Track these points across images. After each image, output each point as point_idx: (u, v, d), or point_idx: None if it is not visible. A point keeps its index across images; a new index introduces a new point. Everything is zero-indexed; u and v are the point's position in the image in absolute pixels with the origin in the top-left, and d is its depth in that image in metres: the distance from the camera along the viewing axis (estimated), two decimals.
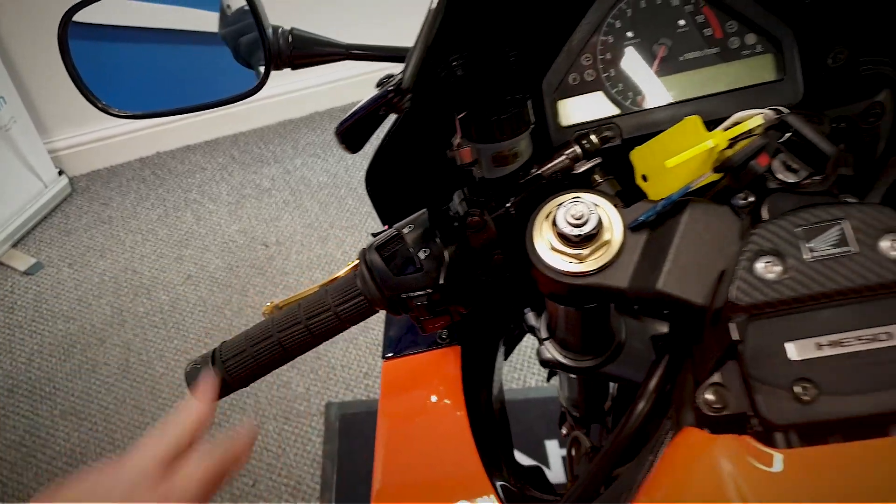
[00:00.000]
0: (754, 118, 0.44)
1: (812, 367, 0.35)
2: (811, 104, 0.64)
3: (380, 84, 0.46)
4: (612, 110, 0.63)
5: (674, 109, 0.62)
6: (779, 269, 0.36)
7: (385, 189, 0.67)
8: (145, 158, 2.86)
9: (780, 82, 0.61)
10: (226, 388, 0.57)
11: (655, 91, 0.63)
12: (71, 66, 0.61)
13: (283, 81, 2.85)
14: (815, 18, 0.62)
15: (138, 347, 2.10)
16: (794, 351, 0.34)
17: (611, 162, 0.59)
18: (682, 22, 0.62)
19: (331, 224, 2.46)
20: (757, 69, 0.62)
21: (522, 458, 1.66)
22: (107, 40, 0.63)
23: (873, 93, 0.66)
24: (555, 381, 0.96)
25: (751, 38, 0.62)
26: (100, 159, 2.83)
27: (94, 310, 2.24)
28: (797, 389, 0.35)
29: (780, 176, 0.45)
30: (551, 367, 0.68)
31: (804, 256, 0.36)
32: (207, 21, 0.62)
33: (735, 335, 0.36)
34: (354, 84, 2.85)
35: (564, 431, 1.13)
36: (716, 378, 0.38)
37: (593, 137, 0.55)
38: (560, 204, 0.46)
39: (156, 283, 2.30)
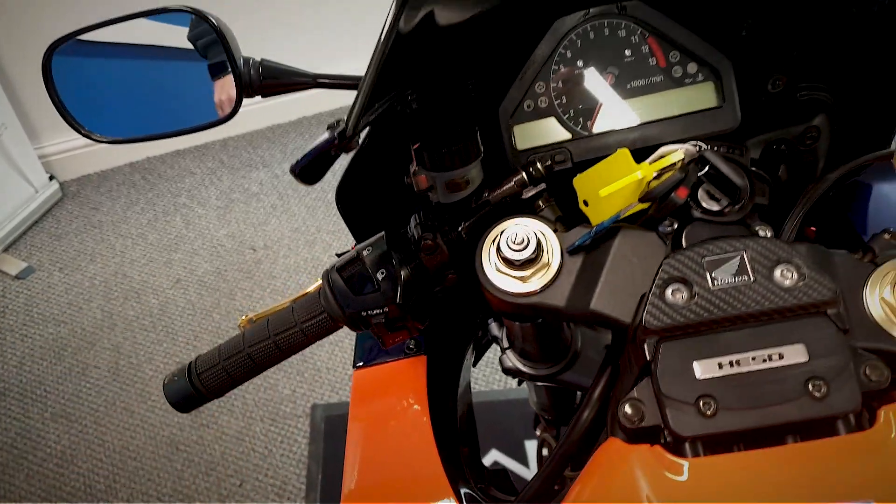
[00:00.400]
0: (676, 153, 0.48)
1: (713, 385, 0.39)
2: (751, 128, 0.68)
3: (330, 128, 0.50)
4: (564, 135, 0.67)
5: (621, 134, 0.66)
6: (686, 295, 0.40)
7: (354, 208, 0.71)
8: (135, 163, 2.89)
9: (719, 109, 0.66)
10: (201, 399, 0.61)
11: (604, 117, 0.67)
12: (55, 95, 0.65)
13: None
14: (753, 49, 0.66)
15: (128, 351, 2.14)
16: (699, 370, 0.39)
17: (560, 186, 0.63)
18: (628, 52, 0.66)
19: (318, 228, 2.50)
20: (699, 96, 0.67)
21: (503, 458, 1.71)
22: (89, 69, 0.66)
23: (810, 117, 0.71)
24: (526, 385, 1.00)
25: (692, 67, 0.66)
26: (90, 164, 2.86)
27: (85, 313, 2.27)
28: (701, 405, 0.39)
29: (704, 204, 0.49)
30: (513, 375, 0.72)
31: (708, 284, 0.41)
32: (185, 51, 0.66)
33: (648, 355, 0.40)
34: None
35: (538, 433, 1.17)
36: (634, 393, 0.42)
37: (539, 165, 0.59)
38: (503, 231, 0.50)
39: (145, 287, 2.34)
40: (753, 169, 0.67)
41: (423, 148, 0.54)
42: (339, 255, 0.60)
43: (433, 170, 0.55)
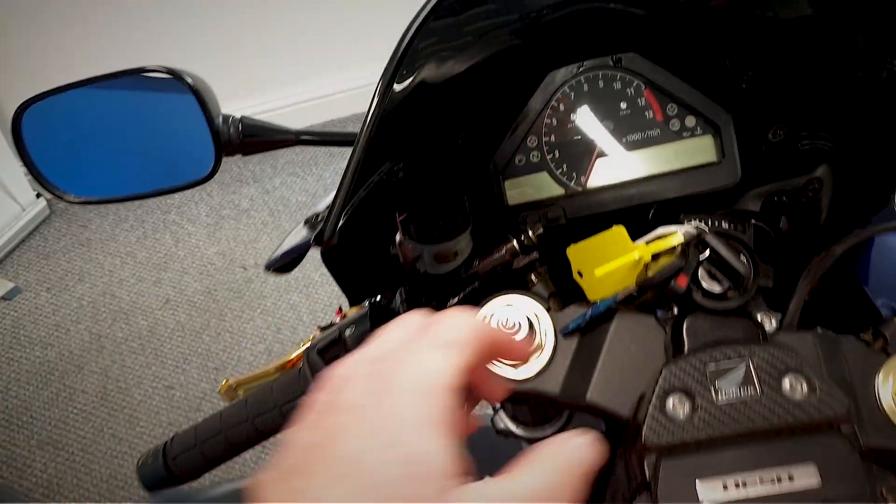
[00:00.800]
0: (675, 235, 0.46)
1: None
2: (751, 179, 0.66)
3: (307, 223, 0.47)
4: (557, 190, 0.65)
5: (617, 190, 0.64)
6: (688, 407, 0.38)
7: (341, 269, 0.68)
8: None
9: (718, 164, 0.63)
10: (174, 481, 0.58)
11: (599, 171, 0.65)
12: (25, 155, 0.62)
13: (262, 99, 2.86)
14: (753, 101, 0.64)
15: (116, 374, 2.10)
16: (702, 491, 0.36)
17: (552, 245, 0.61)
18: (624, 105, 0.64)
19: None
20: (697, 150, 0.64)
21: None
22: (62, 128, 0.64)
23: (812, 167, 0.68)
24: None
25: (690, 121, 0.64)
26: None
27: (73, 336, 2.23)
28: None
29: (704, 284, 0.47)
30: (504, 436, 0.70)
31: (712, 397, 0.38)
32: (163, 108, 0.63)
33: (647, 474, 0.38)
34: (333, 102, 2.86)
35: None
36: None
37: (531, 232, 0.57)
38: (493, 314, 0.48)
39: (134, 308, 2.30)
40: (760, 221, 0.65)
41: (410, 220, 0.51)
42: (321, 329, 0.57)
43: (420, 242, 0.52)
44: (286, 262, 0.48)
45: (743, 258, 0.45)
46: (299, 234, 0.47)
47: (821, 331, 0.43)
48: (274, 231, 2.54)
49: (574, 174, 0.65)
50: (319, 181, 2.75)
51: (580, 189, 0.65)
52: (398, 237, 0.54)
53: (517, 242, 0.56)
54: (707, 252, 0.46)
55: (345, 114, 2.87)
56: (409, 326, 0.34)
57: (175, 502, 0.82)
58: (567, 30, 0.60)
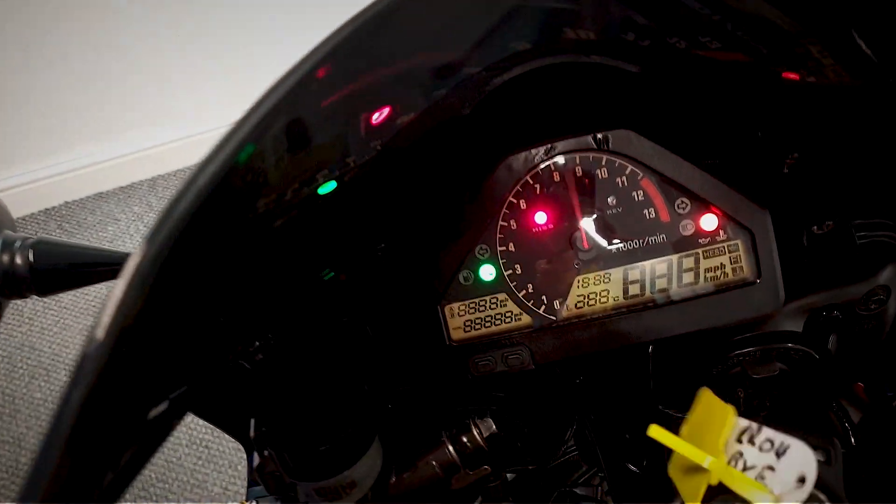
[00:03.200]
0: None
1: None
2: (790, 291, 0.47)
3: None
4: (522, 321, 0.45)
5: (606, 324, 0.44)
6: None
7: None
8: (51, 209, 2.58)
9: (753, 286, 0.44)
10: None
11: (581, 294, 0.45)
12: None
13: (203, 118, 2.61)
14: (798, 190, 0.45)
15: (31, 443, 1.85)
16: None
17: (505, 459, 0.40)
18: (612, 200, 0.44)
19: None
20: (721, 264, 0.45)
21: None
22: None
23: (873, 270, 0.49)
24: None
25: (710, 222, 0.44)
26: None
27: None
28: None
29: None
30: None
31: None
32: None
33: None
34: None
35: None
36: None
37: (476, 432, 0.36)
38: None
39: (56, 363, 2.04)
40: (802, 345, 0.47)
41: (274, 446, 0.31)
42: None
43: (293, 477, 0.32)
44: None
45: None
46: None
47: None
48: None
49: (544, 297, 0.45)
50: None
51: (553, 319, 0.45)
52: (252, 432, 0.33)
53: (453, 448, 0.35)
54: None
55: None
56: None
57: None
58: (527, 98, 0.40)
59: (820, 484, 0.29)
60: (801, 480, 0.29)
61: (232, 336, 0.32)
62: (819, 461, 0.29)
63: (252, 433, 0.32)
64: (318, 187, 0.33)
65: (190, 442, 1.74)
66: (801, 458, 0.30)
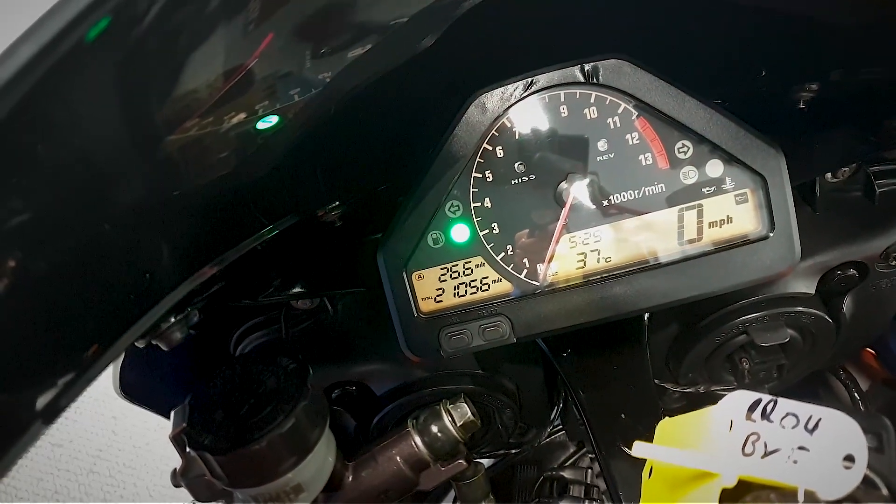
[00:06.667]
0: None
1: None
2: (808, 249, 0.41)
3: None
4: (501, 288, 0.39)
5: (596, 290, 0.38)
6: None
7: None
8: None
9: (765, 241, 0.38)
10: None
11: (564, 257, 0.39)
12: None
13: None
14: (815, 130, 0.39)
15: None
16: None
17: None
18: (603, 145, 0.37)
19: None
20: (728, 217, 0.39)
21: None
22: None
23: (893, 222, 0.44)
24: None
25: (716, 168, 0.38)
26: None
27: None
28: None
29: None
30: None
31: None
32: None
33: None
34: None
35: None
36: None
37: (451, 417, 0.30)
38: None
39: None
40: (815, 308, 0.41)
41: (199, 445, 0.24)
42: None
43: (224, 483, 0.26)
44: None
45: None
46: None
47: None
48: None
49: (526, 261, 0.39)
50: None
51: (536, 285, 0.39)
52: (173, 431, 0.27)
53: (421, 441, 0.29)
54: None
55: None
56: None
57: None
58: (501, 24, 0.34)
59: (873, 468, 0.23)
60: (850, 459, 0.23)
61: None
62: (869, 448, 0.23)
63: (171, 432, 0.26)
64: (257, 119, 0.27)
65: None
66: (843, 432, 0.25)
